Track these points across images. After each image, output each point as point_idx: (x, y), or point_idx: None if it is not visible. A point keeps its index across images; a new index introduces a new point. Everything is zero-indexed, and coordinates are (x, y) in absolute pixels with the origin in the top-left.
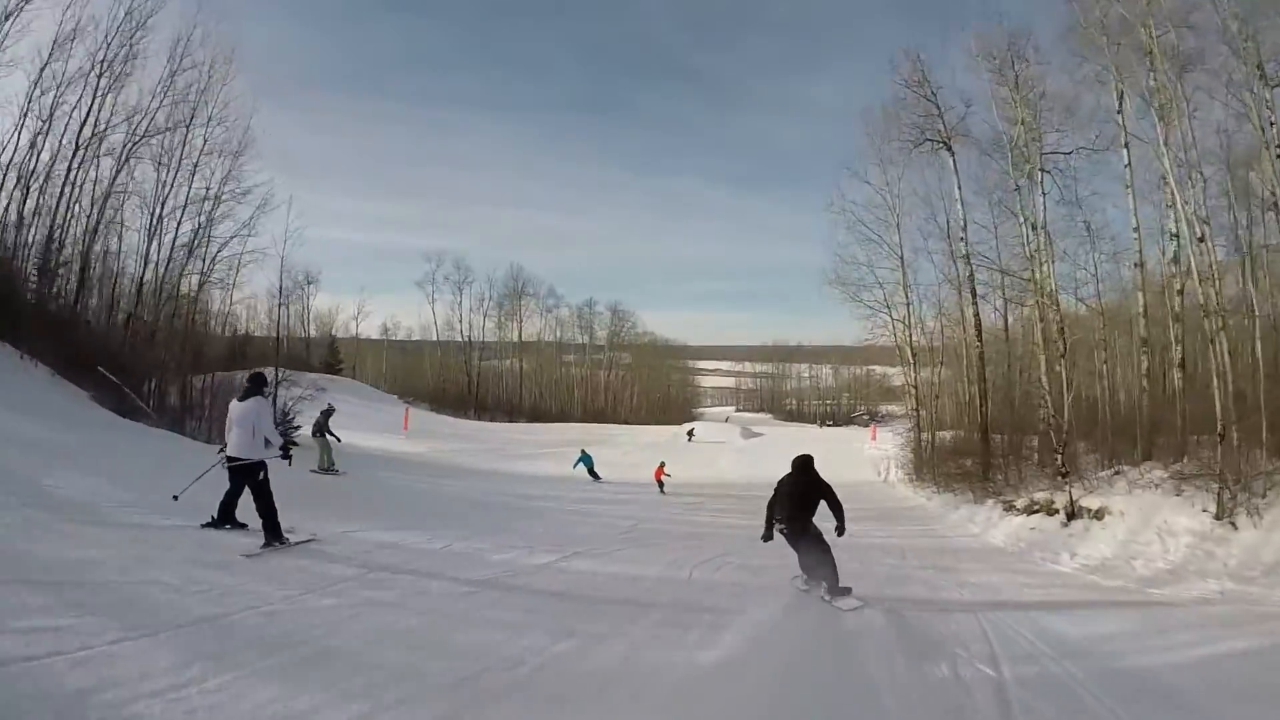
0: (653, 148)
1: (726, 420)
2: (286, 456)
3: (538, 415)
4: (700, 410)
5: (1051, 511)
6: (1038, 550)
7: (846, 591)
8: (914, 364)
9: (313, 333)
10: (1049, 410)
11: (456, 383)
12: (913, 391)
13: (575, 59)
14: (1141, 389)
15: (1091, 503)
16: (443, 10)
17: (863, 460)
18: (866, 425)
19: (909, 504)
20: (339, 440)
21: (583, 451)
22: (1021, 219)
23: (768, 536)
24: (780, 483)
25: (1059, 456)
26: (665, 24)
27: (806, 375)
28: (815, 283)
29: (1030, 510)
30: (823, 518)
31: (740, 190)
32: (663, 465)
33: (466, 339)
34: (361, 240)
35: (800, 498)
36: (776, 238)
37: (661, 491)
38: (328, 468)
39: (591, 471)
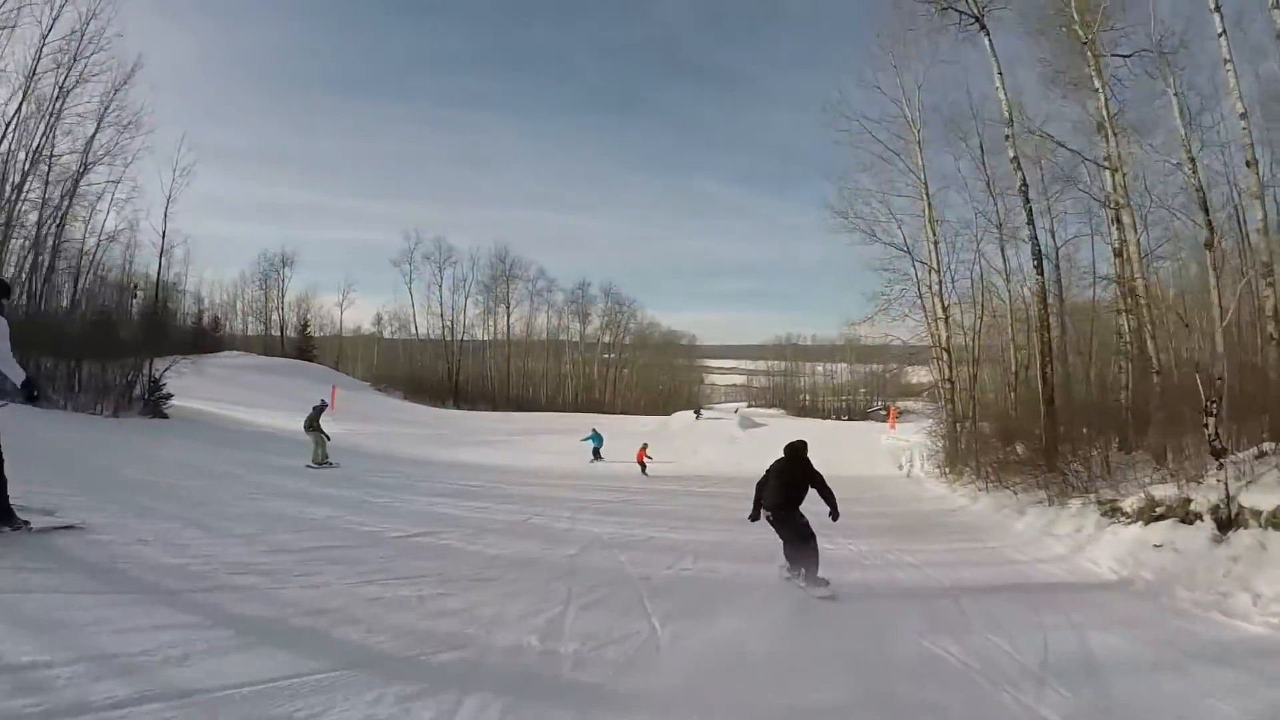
0: (671, 146)
1: (736, 411)
2: (32, 398)
3: (524, 405)
4: (707, 404)
5: (1189, 516)
6: (1181, 586)
7: (824, 582)
8: (944, 319)
9: (291, 318)
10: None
11: (435, 370)
12: (944, 357)
13: (594, 58)
14: None
15: (1258, 500)
16: (461, 12)
17: (880, 452)
18: (884, 419)
19: (946, 506)
20: (328, 438)
21: (594, 431)
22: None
23: (754, 516)
24: (771, 467)
25: (1210, 422)
26: (684, 22)
27: (820, 372)
28: (833, 278)
29: (1149, 515)
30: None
31: (758, 188)
32: (645, 447)
33: (449, 323)
34: (378, 241)
35: (789, 485)
36: (795, 236)
37: (644, 473)
38: (322, 461)
39: (596, 451)
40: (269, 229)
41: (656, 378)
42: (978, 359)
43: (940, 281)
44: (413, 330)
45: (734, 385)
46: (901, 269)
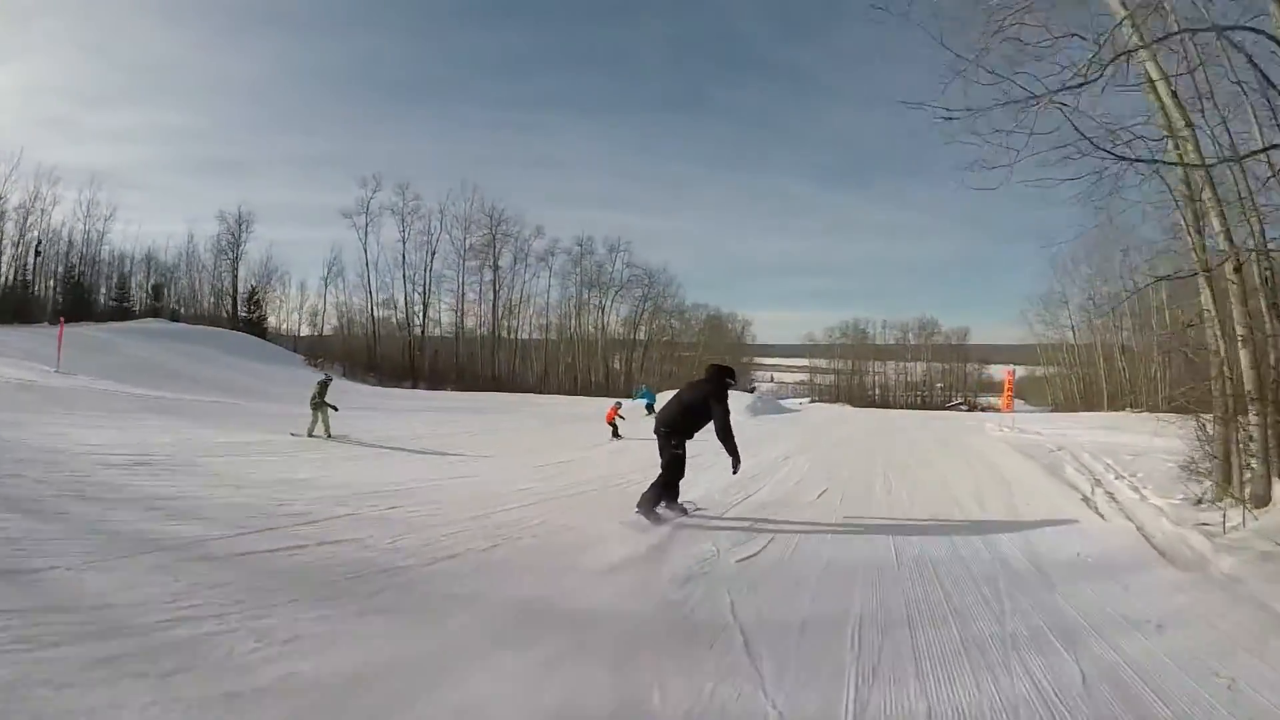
0: (737, 143)
1: (752, 389)
2: None
3: (503, 385)
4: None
5: None
6: None
7: (650, 513)
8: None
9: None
10: None
11: (396, 344)
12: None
13: (661, 57)
14: None
15: None
16: (528, 14)
17: (999, 453)
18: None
19: None
20: (336, 409)
21: (644, 387)
22: None
23: (655, 429)
24: (686, 383)
25: None
26: (749, 16)
27: (892, 369)
28: (906, 277)
29: None
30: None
31: (829, 185)
32: (618, 406)
33: (416, 287)
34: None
35: (685, 405)
36: (866, 233)
37: (615, 435)
38: (326, 434)
39: (650, 407)
40: (336, 231)
41: (705, 364)
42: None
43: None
44: (367, 296)
45: (800, 382)
46: None
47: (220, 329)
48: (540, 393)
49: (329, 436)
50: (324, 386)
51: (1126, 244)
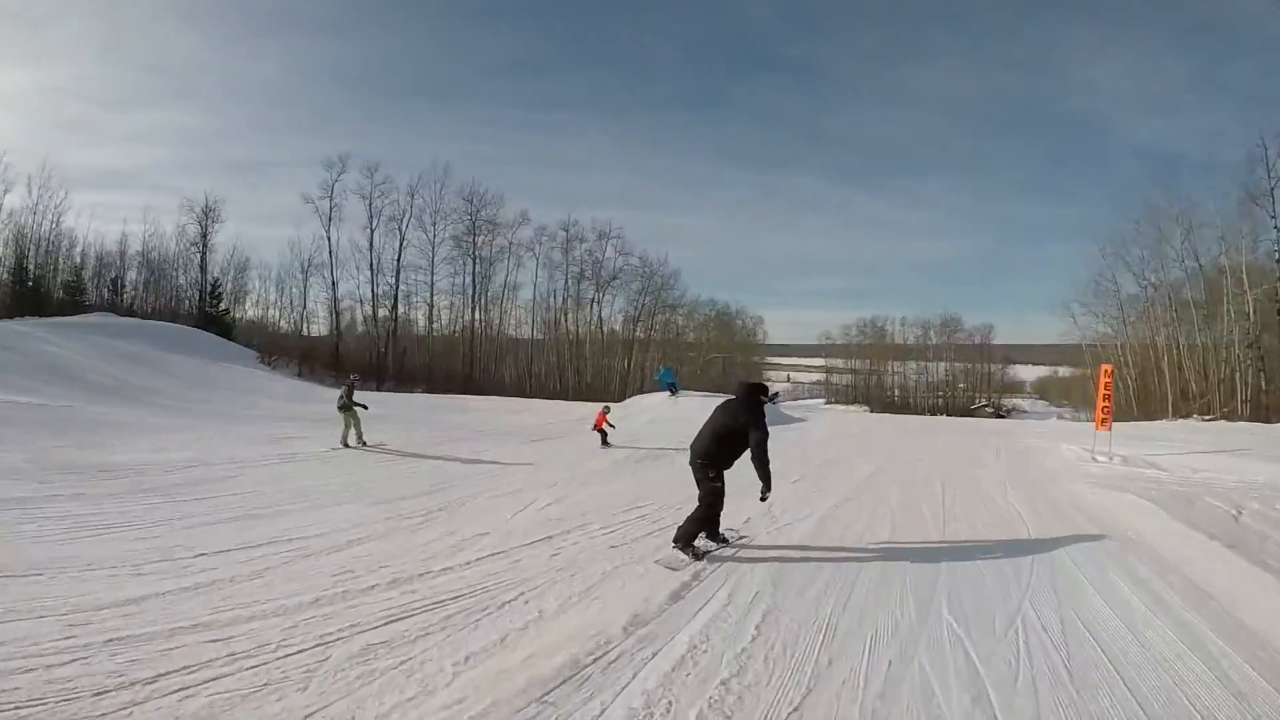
0: (758, 143)
1: (774, 399)
2: None
3: (473, 387)
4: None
5: None
6: None
7: (688, 548)
8: None
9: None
10: None
11: (362, 341)
12: None
13: (678, 56)
14: None
15: None
16: (545, 14)
17: (1161, 536)
18: (992, 418)
19: None
20: (366, 408)
21: (666, 367)
22: None
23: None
24: (717, 406)
25: None
26: (767, 15)
27: (913, 369)
28: (925, 275)
29: None
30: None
31: (848, 184)
32: (606, 410)
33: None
34: None
35: (719, 432)
36: (885, 232)
37: (605, 443)
38: (358, 443)
39: (672, 387)
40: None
41: (712, 364)
42: None
43: None
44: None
45: (816, 382)
46: None
47: (169, 324)
48: (523, 395)
49: (363, 444)
50: (350, 389)
51: (1189, 221)
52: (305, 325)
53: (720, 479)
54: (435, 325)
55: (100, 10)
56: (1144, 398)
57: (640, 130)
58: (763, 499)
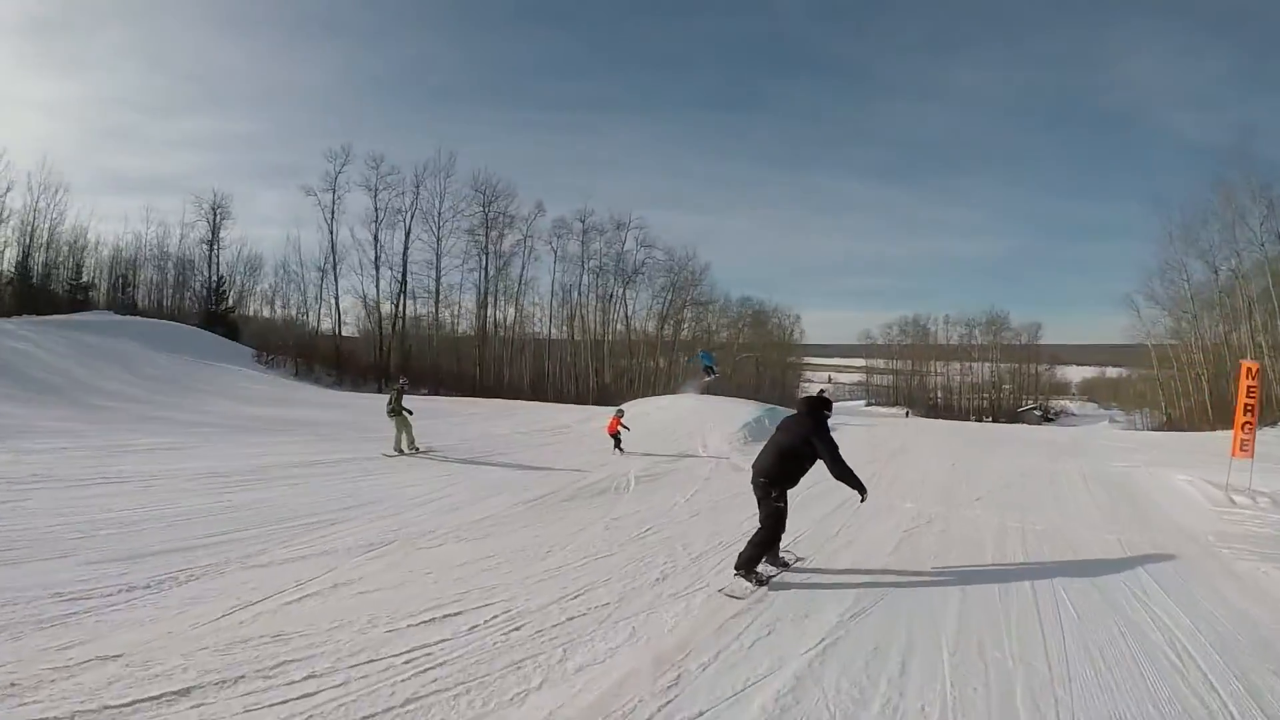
0: (792, 141)
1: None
2: None
3: (493, 391)
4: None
5: None
6: None
7: (751, 574)
8: None
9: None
10: None
11: (366, 340)
12: None
13: (711, 56)
14: None
15: None
16: (578, 17)
17: None
18: (1039, 424)
19: None
20: (411, 413)
21: (703, 351)
22: None
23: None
24: (779, 424)
25: None
26: (799, 14)
27: (956, 369)
28: (967, 275)
29: None
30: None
31: (884, 182)
32: (620, 415)
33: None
34: None
35: (783, 450)
36: (923, 230)
37: (618, 448)
38: (410, 448)
39: (709, 369)
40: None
41: (744, 364)
42: None
43: None
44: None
45: (857, 383)
46: None
47: (168, 323)
48: (541, 399)
49: (416, 450)
50: (400, 393)
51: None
52: (315, 323)
53: (783, 499)
54: (447, 323)
55: (141, 20)
56: (1218, 403)
57: (673, 131)
58: (862, 500)
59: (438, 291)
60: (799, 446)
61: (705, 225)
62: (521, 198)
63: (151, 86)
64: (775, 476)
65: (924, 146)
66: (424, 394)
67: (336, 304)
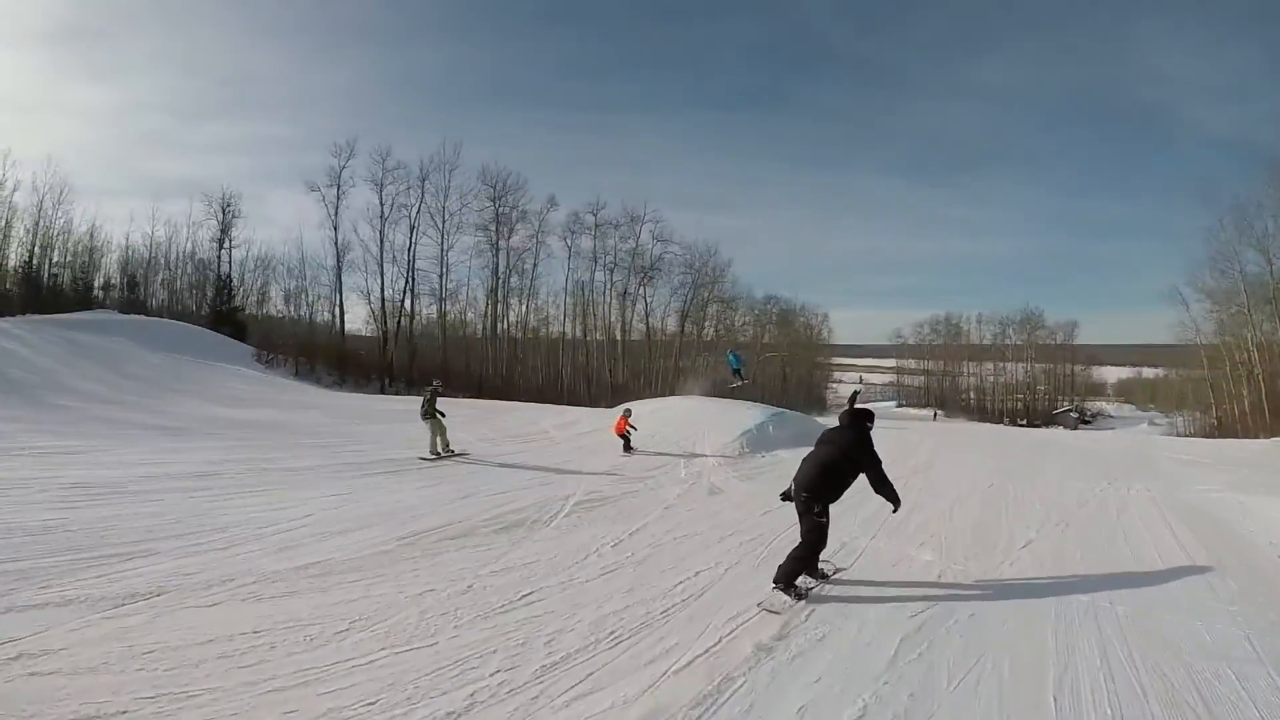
0: (818, 141)
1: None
2: None
3: (489, 390)
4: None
5: None
6: None
7: (790, 588)
8: None
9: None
10: None
11: (371, 339)
12: None
13: (735, 55)
14: None
15: None
16: (602, 18)
17: None
18: (1075, 427)
19: None
20: (444, 415)
21: (732, 353)
22: None
23: (787, 494)
24: (821, 436)
25: None
26: (824, 11)
27: (989, 370)
28: (997, 274)
29: None
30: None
31: (911, 181)
32: (627, 415)
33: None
34: None
35: (825, 464)
36: (951, 229)
37: (627, 448)
38: (445, 451)
39: (737, 372)
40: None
41: (768, 364)
42: None
43: None
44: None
45: (888, 384)
46: None
47: (171, 322)
48: (551, 400)
49: (451, 453)
50: (434, 394)
51: None
52: (319, 320)
53: (825, 514)
54: (456, 322)
55: (176, 27)
56: (1276, 405)
57: (697, 131)
58: (894, 511)
59: (443, 289)
60: (841, 461)
61: (732, 226)
62: (533, 193)
63: (186, 91)
64: (819, 491)
65: (952, 144)
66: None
67: (340, 302)
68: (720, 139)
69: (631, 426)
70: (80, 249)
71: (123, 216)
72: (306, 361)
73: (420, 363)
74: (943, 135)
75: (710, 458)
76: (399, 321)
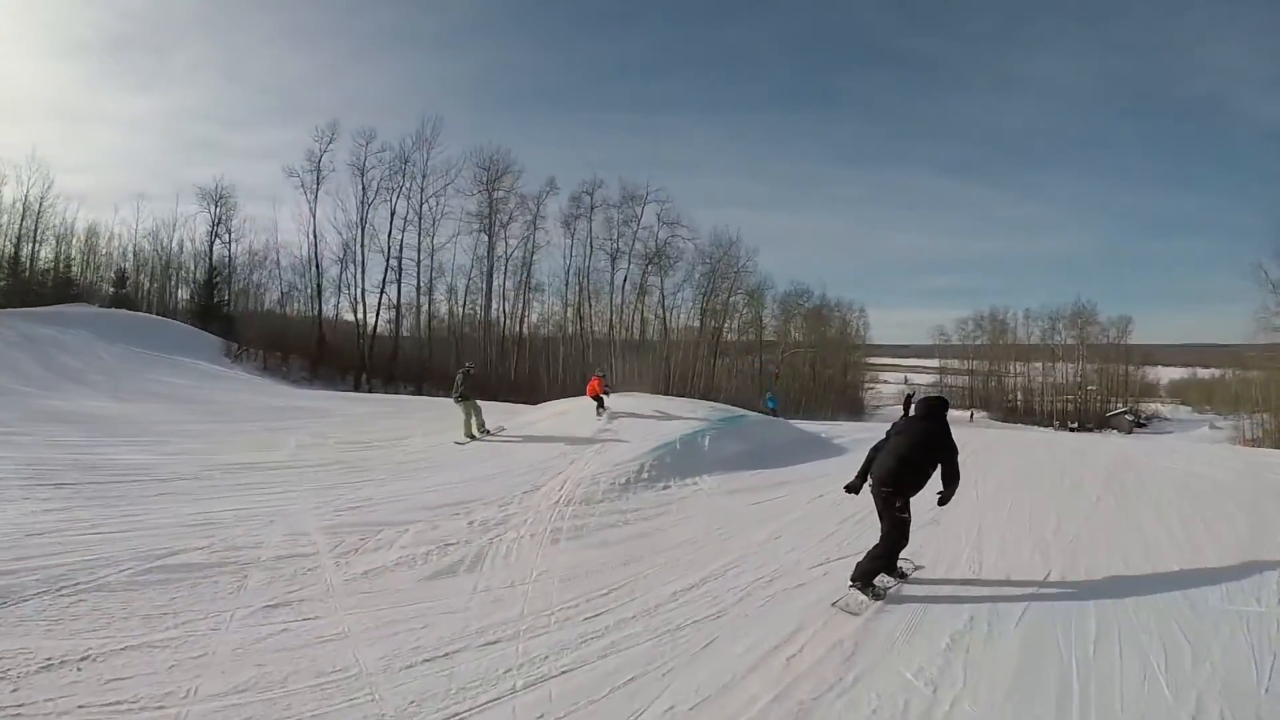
0: (868, 138)
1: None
2: None
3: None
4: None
5: None
6: None
7: (868, 587)
8: None
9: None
10: None
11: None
12: None
13: (783, 53)
14: None
15: None
16: (649, 19)
17: None
18: (1131, 430)
19: None
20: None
21: (770, 396)
22: None
23: (854, 487)
24: (892, 427)
25: None
26: (871, 7)
27: (1038, 369)
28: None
29: None
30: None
31: (963, 178)
32: (601, 378)
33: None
34: None
35: (904, 455)
36: (1003, 227)
37: (601, 409)
38: (481, 432)
39: (774, 410)
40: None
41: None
42: None
43: None
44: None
45: (931, 384)
46: None
47: (138, 314)
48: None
49: (486, 433)
50: (466, 375)
51: None
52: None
53: (907, 509)
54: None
55: (218, 36)
56: None
57: (748, 129)
58: (941, 504)
59: (426, 279)
60: (923, 454)
61: (777, 224)
62: (530, 175)
63: (229, 99)
64: (899, 485)
65: (1000, 140)
66: (407, 393)
67: (319, 293)
68: (766, 137)
69: (606, 389)
70: (65, 243)
71: (122, 217)
72: (280, 356)
73: (404, 356)
74: (993, 130)
75: (578, 492)
76: (388, 317)
